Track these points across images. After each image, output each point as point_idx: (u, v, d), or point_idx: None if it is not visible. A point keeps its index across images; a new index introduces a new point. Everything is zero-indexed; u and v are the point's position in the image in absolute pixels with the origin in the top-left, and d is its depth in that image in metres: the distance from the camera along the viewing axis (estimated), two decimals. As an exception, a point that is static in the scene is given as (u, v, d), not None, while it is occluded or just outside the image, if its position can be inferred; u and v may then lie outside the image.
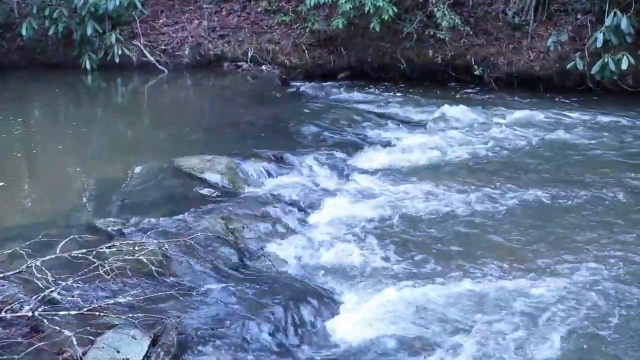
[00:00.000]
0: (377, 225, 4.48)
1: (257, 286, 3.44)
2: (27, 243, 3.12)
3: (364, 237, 4.29)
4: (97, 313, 2.77)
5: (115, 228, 3.99)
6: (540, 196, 5.00)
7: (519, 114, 7.53)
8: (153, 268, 3.20)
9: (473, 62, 9.06)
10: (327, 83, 9.36)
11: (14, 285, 3.06)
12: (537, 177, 5.50)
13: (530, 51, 8.94)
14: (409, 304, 3.43)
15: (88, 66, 9.37)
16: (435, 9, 8.83)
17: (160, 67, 9.69)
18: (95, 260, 3.02)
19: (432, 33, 9.02)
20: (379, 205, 4.82)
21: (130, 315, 2.77)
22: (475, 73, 8.99)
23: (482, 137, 6.71)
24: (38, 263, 2.95)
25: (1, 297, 2.91)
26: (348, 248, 4.13)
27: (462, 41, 9.12)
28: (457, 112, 7.50)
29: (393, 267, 3.88)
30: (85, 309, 2.79)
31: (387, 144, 6.41)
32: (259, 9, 10.18)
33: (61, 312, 2.76)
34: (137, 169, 5.26)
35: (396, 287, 3.61)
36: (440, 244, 4.22)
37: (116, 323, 2.76)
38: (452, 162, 5.96)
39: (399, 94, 8.81)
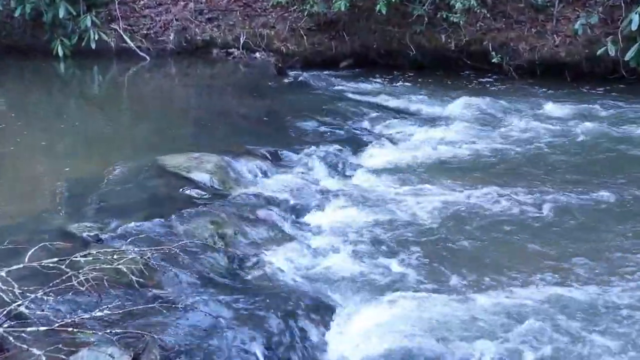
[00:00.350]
0: (384, 231, 4.49)
1: (250, 298, 3.44)
2: (-10, 251, 3.12)
3: (368, 243, 4.30)
4: (70, 329, 2.75)
5: (91, 234, 3.98)
6: (567, 198, 5.00)
7: (543, 106, 7.55)
8: (134, 278, 3.20)
9: (490, 49, 9.07)
10: (328, 72, 9.39)
11: (-24, 298, 3.02)
12: (565, 176, 5.50)
13: (555, 35, 8.94)
14: (418, 318, 3.43)
15: (60, 52, 9.34)
16: (449, -11, 8.87)
17: (141, 54, 9.69)
18: (68, 270, 3.00)
19: (444, 16, 9.02)
20: (385, 208, 4.84)
21: (108, 331, 2.76)
22: (493, 60, 9.00)
23: (501, 133, 6.72)
24: (3, 273, 2.94)
25: (-38, 311, 2.89)
26: (351, 255, 4.14)
27: (478, 25, 9.14)
28: (473, 104, 7.52)
29: (400, 277, 3.90)
30: (57, 325, 2.77)
31: (394, 140, 6.43)
32: (252, -11, 10.22)
33: (29, 329, 2.73)
34: (116, 168, 5.23)
35: (404, 300, 3.61)
36: (454, 252, 4.22)
37: (92, 340, 2.74)
38: (468, 160, 5.96)
39: (407, 84, 8.85)
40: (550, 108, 7.49)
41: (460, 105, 7.48)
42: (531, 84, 8.72)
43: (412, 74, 9.27)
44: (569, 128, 6.81)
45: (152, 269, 3.45)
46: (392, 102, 7.84)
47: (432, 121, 7.10)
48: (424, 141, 6.39)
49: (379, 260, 4.08)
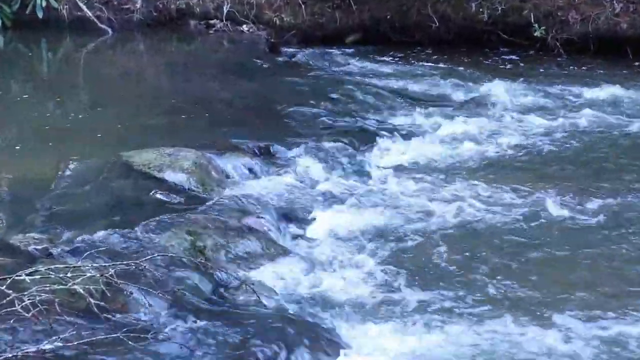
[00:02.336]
0: (397, 243, 4.48)
1: (234, 326, 3.43)
2: None
3: (378, 259, 4.29)
4: (12, 365, 2.73)
5: (39, 247, 3.96)
6: (629, 205, 4.97)
7: (598, 91, 7.51)
8: (92, 302, 3.17)
9: (532, 19, 9.04)
10: (331, 49, 9.37)
11: None
12: (624, 179, 5.45)
13: (614, 2, 8.91)
14: (438, 350, 3.41)
15: (-1, 22, 9.33)
16: (480, -54, 8.88)
17: (101, 25, 9.67)
18: (10, 291, 2.97)
19: (475, -20, 9.05)
20: (400, 216, 4.82)
21: (60, 367, 2.74)
22: (536, 34, 8.96)
23: (544, 124, 6.66)
24: None
25: None
26: (358, 273, 4.12)
27: (516, -10, 9.16)
28: (510, 89, 7.48)
29: (416, 300, 3.87)
30: (-3, 360, 2.75)
31: (412, 133, 6.39)
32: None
33: (-38, 364, 2.71)
34: (71, 166, 5.25)
35: (420, 328, 3.60)
36: (480, 270, 4.18)
37: (40, 379, 2.73)
38: (502, 159, 5.92)
39: (428, 65, 8.82)
40: (608, 93, 7.44)
41: (493, 91, 7.44)
42: (584, 62, 8.70)
43: (433, 52, 9.26)
44: (630, 118, 6.78)
45: (115, 290, 3.42)
46: (409, 87, 7.80)
47: (458, 110, 7.04)
48: (448, 135, 6.33)
49: (392, 280, 4.06)
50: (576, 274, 4.15)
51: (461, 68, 8.56)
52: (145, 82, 8.29)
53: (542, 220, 4.76)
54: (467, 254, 4.37)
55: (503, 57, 9.10)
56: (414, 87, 7.83)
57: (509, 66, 8.75)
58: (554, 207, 4.89)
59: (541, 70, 8.57)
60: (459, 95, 7.55)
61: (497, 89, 7.47)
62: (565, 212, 4.85)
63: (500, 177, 5.47)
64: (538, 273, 4.17)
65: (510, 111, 7.01)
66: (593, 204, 4.96)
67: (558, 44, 9.02)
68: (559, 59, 8.89)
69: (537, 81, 7.85)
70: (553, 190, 5.20)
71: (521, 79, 7.81)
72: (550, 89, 7.61)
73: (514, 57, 9.06)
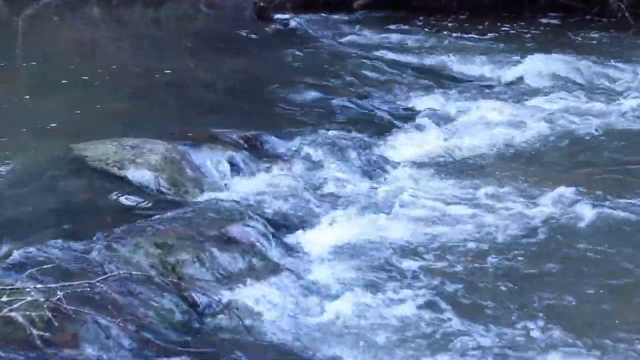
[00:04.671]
0: (414, 259, 4.46)
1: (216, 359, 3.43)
2: None
3: (391, 279, 4.27)
4: None
5: (-34, 263, 3.91)
6: None
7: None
8: (35, 332, 3.15)
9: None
10: (335, 15, 9.44)
11: None
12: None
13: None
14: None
15: None
16: None
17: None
18: None
19: None
20: (418, 223, 4.83)
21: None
22: (593, -4, 9.04)
23: (604, 109, 6.73)
24: None
25: None
26: (364, 297, 4.08)
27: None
28: (559, 63, 7.55)
29: (436, 329, 3.84)
30: None
31: (435, 120, 6.48)
32: None
33: None
34: (9, 163, 5.29)
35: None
36: (521, 291, 4.16)
37: None
38: (548, 151, 6.02)
39: (456, 35, 8.91)
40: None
41: (538, 66, 7.52)
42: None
43: (462, 19, 9.29)
44: None
45: (64, 318, 3.38)
46: (432, 62, 7.95)
47: (492, 90, 7.14)
48: (480, 121, 6.45)
49: (408, 308, 4.01)
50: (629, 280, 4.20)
51: (495, 38, 8.63)
52: (101, 58, 8.29)
53: (588, 227, 4.79)
54: (504, 271, 4.37)
55: (550, 24, 9.13)
56: (437, 62, 7.97)
57: (556, 36, 8.76)
58: (603, 211, 4.92)
59: (599, 40, 8.61)
60: (492, 72, 7.65)
61: (542, 64, 7.52)
62: (623, 220, 4.87)
63: (537, 175, 5.57)
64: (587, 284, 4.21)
65: (555, 91, 7.07)
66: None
67: (623, 6, 9.00)
68: (623, 26, 8.87)
69: (594, 54, 7.88)
70: (605, 191, 5.21)
71: (573, 52, 7.84)
72: (611, 64, 7.65)
73: (564, 24, 9.11)
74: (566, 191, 5.16)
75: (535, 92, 7.07)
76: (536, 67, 7.50)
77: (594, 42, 8.54)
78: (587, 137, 6.19)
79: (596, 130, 6.29)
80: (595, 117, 6.56)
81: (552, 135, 6.20)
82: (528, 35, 8.79)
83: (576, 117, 6.56)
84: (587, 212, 4.88)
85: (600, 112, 6.66)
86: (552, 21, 9.13)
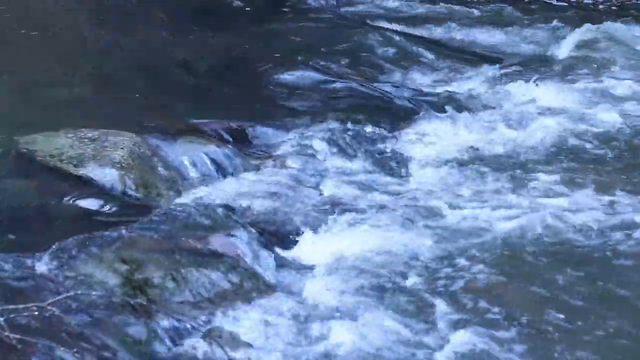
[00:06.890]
0: (433, 273, 4.55)
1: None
2: None
3: (406, 301, 4.33)
4: None
5: None
6: None
7: None
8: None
9: None
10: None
11: None
12: None
13: None
14: None
15: None
16: None
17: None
18: None
19: None
20: (440, 231, 4.94)
21: None
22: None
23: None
24: None
25: None
26: (371, 319, 4.15)
27: None
28: (611, 39, 7.73)
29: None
30: None
31: (464, 107, 6.51)
32: None
33: None
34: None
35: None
36: (563, 316, 4.22)
37: None
38: (617, 149, 6.04)
39: (492, 3, 8.92)
40: None
41: (585, 41, 7.66)
42: None
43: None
44: None
45: (7, 349, 3.41)
46: (459, 37, 8.08)
47: (531, 69, 7.22)
48: (516, 108, 6.48)
49: (422, 328, 4.12)
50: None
51: (534, 7, 8.70)
52: (55, 33, 8.29)
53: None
54: (541, 290, 4.45)
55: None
56: (467, 36, 8.13)
57: (608, 5, 8.79)
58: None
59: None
60: (530, 47, 7.84)
61: (589, 39, 7.72)
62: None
63: (585, 174, 5.67)
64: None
65: (607, 71, 7.23)
66: None
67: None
68: None
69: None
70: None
71: (627, 24, 7.99)
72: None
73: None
74: (621, 196, 5.31)
75: (597, 72, 7.12)
76: (588, 41, 7.66)
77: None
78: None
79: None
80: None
81: (623, 129, 6.26)
82: (575, 3, 8.81)
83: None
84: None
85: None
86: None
